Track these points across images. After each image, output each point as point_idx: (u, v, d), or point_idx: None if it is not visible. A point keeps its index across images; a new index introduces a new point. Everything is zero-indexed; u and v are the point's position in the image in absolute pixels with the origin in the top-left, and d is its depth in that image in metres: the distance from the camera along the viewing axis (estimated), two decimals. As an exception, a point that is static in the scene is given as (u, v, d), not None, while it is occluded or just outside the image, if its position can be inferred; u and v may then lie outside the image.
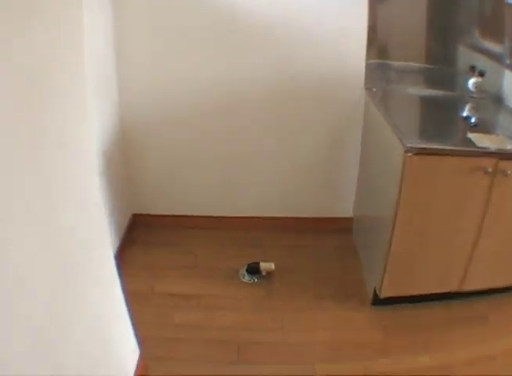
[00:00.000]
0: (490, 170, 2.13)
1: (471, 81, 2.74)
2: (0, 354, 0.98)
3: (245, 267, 2.60)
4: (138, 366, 1.95)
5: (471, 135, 2.21)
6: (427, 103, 2.85)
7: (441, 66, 2.90)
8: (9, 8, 0.95)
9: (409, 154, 2.04)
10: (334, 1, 2.53)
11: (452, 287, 2.47)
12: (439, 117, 2.62)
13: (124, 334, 1.88)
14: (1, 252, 0.97)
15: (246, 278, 2.57)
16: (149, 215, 2.97)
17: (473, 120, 2.47)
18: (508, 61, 2.81)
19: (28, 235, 1.09)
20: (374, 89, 2.71)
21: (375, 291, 2.43)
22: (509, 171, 2.15)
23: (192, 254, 2.76)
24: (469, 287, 2.48)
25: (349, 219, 3.03)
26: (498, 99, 2.85)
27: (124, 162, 2.79)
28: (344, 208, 3.02)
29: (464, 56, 2.89)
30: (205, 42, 2.58)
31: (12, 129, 0.99)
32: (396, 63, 2.82)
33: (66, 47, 1.28)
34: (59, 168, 1.25)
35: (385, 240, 2.26)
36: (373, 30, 2.63)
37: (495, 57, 2.84)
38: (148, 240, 2.87)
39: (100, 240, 1.62)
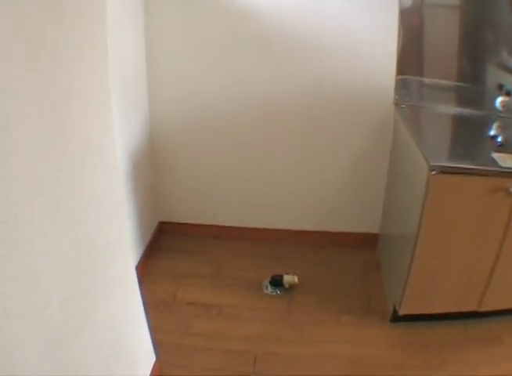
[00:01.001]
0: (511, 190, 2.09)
1: (499, 100, 2.71)
2: (13, 350, 1.00)
3: (268, 279, 2.62)
4: (153, 370, 1.97)
5: (495, 155, 2.20)
6: (454, 121, 2.84)
7: (470, 85, 2.89)
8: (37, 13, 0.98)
9: (433, 173, 2.05)
10: (365, 14, 2.54)
11: (470, 307, 2.46)
12: (465, 136, 2.63)
13: (139, 337, 1.92)
14: (19, 249, 1.01)
15: (269, 290, 2.60)
16: (175, 223, 3.01)
17: (499, 139, 2.44)
18: None
19: (47, 234, 1.13)
20: (403, 105, 2.71)
21: (394, 308, 2.44)
22: None
23: (216, 263, 2.80)
24: (487, 307, 2.47)
25: (375, 235, 3.04)
26: None
27: (152, 170, 2.84)
28: (371, 224, 3.03)
29: (493, 74, 2.87)
30: (237, 53, 2.62)
31: (34, 136, 1.03)
32: (426, 80, 2.84)
33: (91, 54, 1.31)
34: (80, 171, 1.29)
35: (407, 257, 2.26)
36: (403, 45, 2.64)
37: None
38: (173, 247, 2.91)
39: (120, 243, 1.65)
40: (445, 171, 2.06)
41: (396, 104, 2.72)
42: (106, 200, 1.50)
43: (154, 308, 2.27)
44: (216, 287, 2.63)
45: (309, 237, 3.02)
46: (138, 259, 2.60)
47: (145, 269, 2.59)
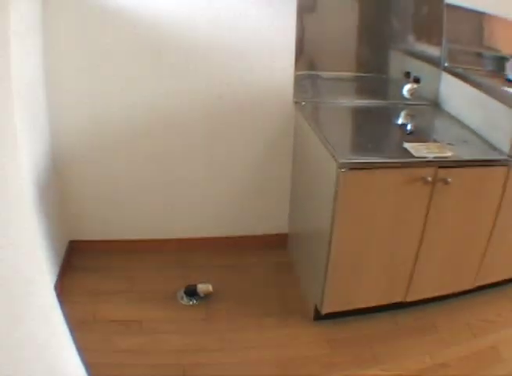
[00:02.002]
0: (430, 179, 2.13)
1: (406, 88, 2.72)
2: None
3: (183, 289, 2.56)
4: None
5: (407, 145, 2.19)
6: (361, 114, 2.82)
7: (375, 75, 2.90)
8: None
9: (343, 170, 2.02)
10: (262, 14, 2.49)
11: (396, 298, 2.47)
12: (374, 128, 2.61)
13: (71, 361, 1.84)
14: None
15: (185, 300, 2.55)
16: (86, 241, 2.90)
17: (409, 127, 2.44)
18: (446, 64, 2.84)
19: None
20: (303, 103, 2.68)
21: (316, 307, 2.41)
22: (449, 179, 2.16)
23: (130, 278, 2.72)
24: (414, 297, 2.50)
25: (284, 235, 3.03)
26: (436, 105, 2.89)
27: (59, 190, 2.72)
28: (279, 225, 3.02)
29: (400, 62, 2.89)
30: (137, 67, 2.53)
31: None
32: (328, 74, 2.79)
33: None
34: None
35: (322, 256, 2.23)
36: (302, 41, 2.61)
37: (433, 61, 2.87)
38: (87, 266, 2.81)
39: (38, 271, 1.57)
40: (354, 167, 2.04)
41: (296, 102, 2.68)
42: (21, 231, 1.40)
43: (76, 328, 2.19)
44: (133, 302, 2.55)
45: (219, 244, 2.97)
46: (54, 281, 2.50)
47: (61, 291, 2.50)
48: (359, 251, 2.25)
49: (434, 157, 2.13)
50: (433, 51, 2.89)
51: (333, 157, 2.05)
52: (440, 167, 2.14)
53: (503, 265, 2.74)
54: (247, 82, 2.62)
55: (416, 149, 2.17)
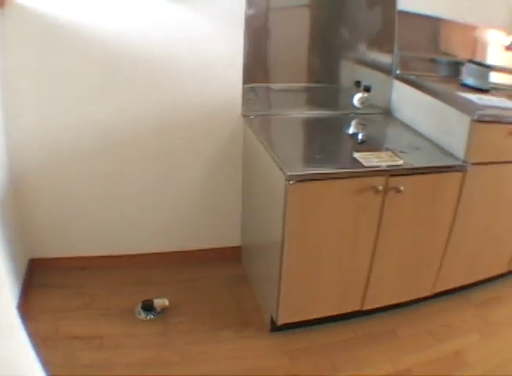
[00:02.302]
0: (380, 188, 2.14)
1: (356, 97, 2.73)
2: None
3: (140, 305, 2.56)
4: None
5: (357, 155, 2.19)
6: (311, 125, 2.81)
7: (327, 85, 2.91)
8: None
9: (291, 182, 2.01)
10: (208, 27, 2.49)
11: (353, 306, 2.48)
12: (324, 139, 2.60)
13: None
14: None
15: (143, 315, 2.54)
16: (46, 259, 2.88)
17: (360, 136, 2.46)
18: (398, 71, 2.87)
19: None
20: (252, 116, 2.66)
21: (272, 318, 2.41)
22: (402, 187, 2.18)
23: (89, 295, 2.71)
24: (371, 305, 2.51)
25: (238, 248, 3.03)
26: (388, 113, 2.91)
27: (17, 209, 2.70)
28: (232, 238, 3.02)
29: (351, 71, 2.90)
30: (88, 84, 2.51)
31: None
32: (278, 86, 2.79)
33: None
34: None
35: (275, 267, 2.23)
36: (250, 53, 2.60)
37: (384, 69, 2.90)
38: (47, 283, 2.81)
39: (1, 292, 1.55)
40: (303, 179, 2.03)
41: (245, 116, 2.67)
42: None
43: (40, 345, 2.18)
44: (94, 318, 2.55)
45: (174, 258, 2.98)
46: (16, 299, 2.49)
47: (23, 309, 2.49)
48: (312, 262, 2.25)
49: (385, 166, 2.14)
50: (385, 59, 2.91)
51: (281, 169, 2.05)
52: (391, 175, 2.16)
53: (462, 270, 2.76)
54: (196, 97, 2.62)
55: (365, 158, 2.17)
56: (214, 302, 2.71)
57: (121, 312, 2.58)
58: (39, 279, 2.82)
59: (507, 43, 3.29)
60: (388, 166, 2.16)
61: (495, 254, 2.90)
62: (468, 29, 3.19)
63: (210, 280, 2.89)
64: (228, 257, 3.03)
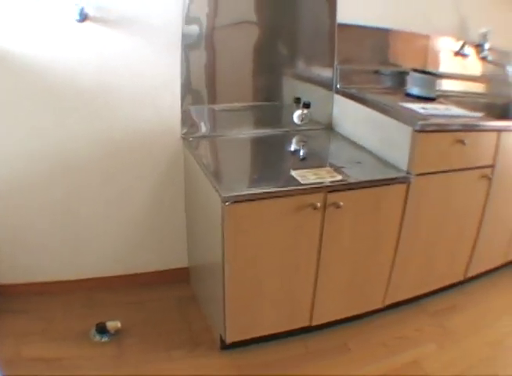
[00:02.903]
0: (319, 205, 2.18)
1: (296, 114, 2.80)
2: None
3: (94, 327, 2.62)
4: None
5: (294, 173, 2.24)
6: (252, 145, 2.84)
7: (269, 103, 2.93)
8: None
9: (227, 204, 2.04)
10: (146, 52, 2.55)
11: (302, 322, 2.51)
12: (265, 158, 2.66)
13: None
14: None
15: (97, 338, 2.59)
16: (5, 285, 2.93)
17: (301, 153, 2.49)
18: (338, 86, 2.93)
19: None
20: (191, 138, 2.70)
21: (221, 337, 2.44)
22: (341, 203, 2.22)
23: (45, 319, 2.77)
24: (320, 320, 2.54)
25: (185, 269, 3.09)
26: (330, 128, 2.98)
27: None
28: (179, 259, 3.08)
29: (293, 88, 2.94)
30: (27, 113, 2.54)
31: None
32: (220, 106, 2.80)
33: None
34: None
35: (219, 288, 2.26)
36: (190, 75, 2.65)
37: (325, 84, 2.97)
38: (6, 309, 2.85)
39: None
40: (239, 200, 2.06)
41: (184, 138, 2.70)
42: None
43: (4, 368, 2.26)
44: (52, 341, 2.60)
45: (124, 281, 3.01)
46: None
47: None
48: (255, 281, 2.28)
49: (322, 183, 2.18)
50: (326, 73, 2.96)
51: (217, 191, 2.08)
52: (329, 192, 2.20)
53: (414, 281, 2.82)
54: (135, 122, 2.67)
55: (303, 176, 2.21)
56: (165, 323, 2.76)
57: (78, 335, 2.64)
58: (1, 305, 2.85)
59: (457, 49, 3.38)
60: (326, 182, 2.20)
61: (449, 263, 2.96)
62: (417, 38, 3.27)
63: (160, 301, 2.95)
64: (177, 278, 3.08)
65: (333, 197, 2.22)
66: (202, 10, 2.57)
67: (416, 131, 2.38)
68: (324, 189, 2.19)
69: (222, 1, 2.60)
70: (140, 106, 2.64)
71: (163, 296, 2.99)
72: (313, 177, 2.23)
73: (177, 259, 3.08)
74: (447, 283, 3.09)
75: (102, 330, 2.61)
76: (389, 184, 2.39)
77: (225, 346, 2.48)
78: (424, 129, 2.39)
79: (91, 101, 2.57)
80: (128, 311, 2.84)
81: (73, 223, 2.83)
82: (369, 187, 2.33)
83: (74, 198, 2.76)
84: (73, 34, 2.43)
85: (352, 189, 2.27)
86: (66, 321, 2.75)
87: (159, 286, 3.06)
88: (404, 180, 2.42)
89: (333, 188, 2.22)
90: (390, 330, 2.78)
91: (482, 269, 3.27)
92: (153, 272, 3.07)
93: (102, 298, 2.95)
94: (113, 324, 2.63)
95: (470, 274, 3.17)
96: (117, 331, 2.64)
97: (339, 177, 2.25)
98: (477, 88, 3.71)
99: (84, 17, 2.38)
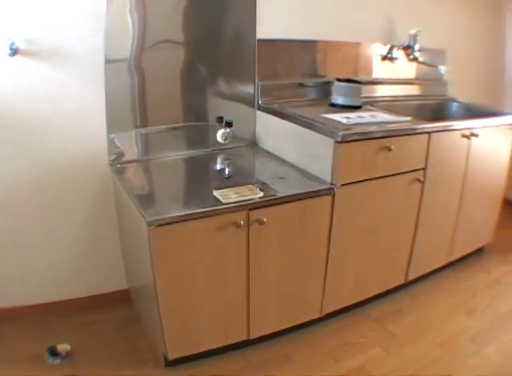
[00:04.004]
0: (242, 223, 2.36)
1: (219, 133, 3.00)
2: None
3: (46, 351, 2.80)
4: None
5: (216, 193, 2.41)
6: (179, 166, 3.02)
7: (196, 123, 3.11)
8: None
9: (152, 227, 2.20)
10: (70, 83, 2.72)
11: (240, 336, 2.68)
12: (190, 179, 2.85)
13: None
14: None
15: (50, 360, 2.76)
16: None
17: (227, 172, 2.69)
18: (260, 102, 3.12)
19: None
20: (119, 165, 2.86)
21: (164, 355, 2.60)
22: (264, 219, 2.40)
23: (3, 344, 2.93)
24: (258, 333, 2.72)
25: (126, 291, 3.29)
26: (254, 145, 3.20)
27: None
28: (120, 282, 3.29)
29: (218, 107, 3.14)
30: None
31: None
32: (148, 129, 2.96)
33: None
34: None
35: (154, 308, 2.41)
36: (117, 101, 2.81)
37: (248, 101, 3.18)
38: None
39: None
40: (163, 223, 2.22)
41: (112, 165, 2.91)
42: None
43: None
44: (8, 366, 2.77)
45: (71, 306, 3.21)
46: None
47: None
48: (187, 299, 2.44)
49: (243, 201, 2.36)
50: (248, 90, 3.17)
51: (142, 215, 2.23)
52: (251, 209, 2.38)
53: (352, 288, 3.03)
54: (66, 151, 2.83)
55: (225, 195, 2.39)
56: (113, 344, 2.94)
57: (32, 359, 2.81)
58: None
59: (384, 54, 3.62)
60: (245, 201, 2.37)
61: (388, 267, 3.18)
62: (345, 46, 3.53)
63: (106, 322, 3.13)
64: (120, 300, 3.27)
65: (255, 214, 2.40)
66: (125, 35, 2.74)
67: (337, 142, 2.55)
68: (246, 207, 2.37)
69: (147, 23, 2.77)
70: (68, 136, 2.80)
71: (108, 318, 3.18)
72: (235, 196, 2.40)
73: (117, 282, 3.27)
74: (388, 287, 3.29)
75: (53, 352, 2.79)
76: (313, 197, 2.56)
77: (170, 363, 2.65)
78: (346, 139, 2.55)
79: (17, 134, 2.73)
80: (77, 334, 3.02)
81: (18, 253, 3.00)
82: (293, 201, 2.50)
83: (15, 229, 2.93)
84: (3, 69, 2.58)
85: (275, 204, 2.45)
86: (19, 346, 2.91)
87: (104, 308, 3.24)
88: (328, 192, 2.60)
89: (255, 205, 2.39)
90: (333, 338, 2.96)
91: (424, 272, 3.50)
92: (96, 296, 3.25)
93: (52, 322, 3.12)
94: (63, 347, 2.82)
95: (412, 277, 3.38)
96: (68, 354, 2.82)
97: (260, 194, 2.43)
98: (410, 90, 3.96)
99: (14, 52, 2.52)
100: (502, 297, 3.54)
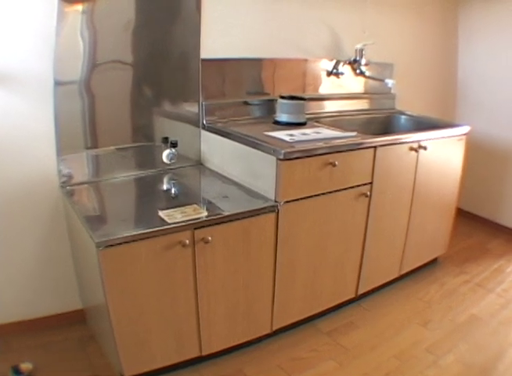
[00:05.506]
0: (187, 242, 2.60)
1: (165, 154, 3.26)
2: None
3: (10, 370, 3.05)
4: None
5: (162, 213, 2.66)
6: (128, 187, 3.21)
7: (144, 144, 3.36)
8: None
9: (100, 248, 2.41)
10: (20, 105, 2.93)
11: (192, 353, 2.90)
12: (138, 199, 3.06)
13: None
14: None
15: None
16: None
17: (172, 192, 2.93)
18: (204, 121, 3.40)
19: None
20: (69, 187, 3.10)
21: (120, 373, 2.79)
22: (209, 238, 2.66)
23: None
24: (210, 350, 2.96)
25: (81, 311, 3.54)
26: (200, 164, 3.48)
27: None
28: (74, 302, 3.55)
29: (164, 127, 3.41)
30: None
31: None
32: (98, 151, 3.18)
33: None
34: None
35: (107, 327, 2.62)
36: (65, 124, 3.03)
37: (192, 121, 3.46)
38: None
39: None
40: (111, 244, 2.45)
41: (62, 187, 3.05)
42: None
43: None
44: None
45: (30, 326, 3.45)
46: None
47: None
48: (138, 318, 2.65)
49: (188, 220, 2.61)
50: (193, 110, 3.45)
51: (91, 237, 2.44)
52: (195, 228, 2.62)
53: (301, 303, 3.29)
54: (17, 175, 3.03)
55: (170, 215, 2.63)
56: (71, 363, 3.17)
57: None
58: None
59: (329, 69, 3.94)
60: (191, 220, 2.62)
61: (338, 281, 3.45)
62: (291, 63, 3.82)
63: (64, 342, 3.37)
64: (76, 319, 3.52)
65: (200, 233, 2.64)
66: (75, 56, 2.94)
67: (280, 160, 2.75)
68: (191, 227, 2.61)
69: (97, 44, 2.99)
70: (18, 159, 3.00)
71: (66, 337, 3.42)
72: (180, 215, 2.65)
73: (72, 302, 3.51)
74: (339, 301, 3.56)
75: (17, 371, 3.05)
76: (257, 215, 2.76)
77: (126, 381, 2.80)
78: (288, 157, 2.76)
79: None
80: (37, 353, 3.25)
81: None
82: (237, 220, 2.74)
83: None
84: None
85: (219, 223, 2.69)
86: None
87: (61, 327, 3.49)
88: (272, 209, 2.82)
89: (200, 224, 2.64)
90: (284, 352, 3.21)
91: (375, 285, 3.78)
92: (53, 316, 3.50)
93: (12, 341, 3.36)
94: (24, 366, 3.08)
95: (362, 291, 3.66)
96: (31, 373, 3.08)
97: (205, 213, 2.68)
98: (358, 105, 4.28)
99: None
100: (458, 306, 3.80)
